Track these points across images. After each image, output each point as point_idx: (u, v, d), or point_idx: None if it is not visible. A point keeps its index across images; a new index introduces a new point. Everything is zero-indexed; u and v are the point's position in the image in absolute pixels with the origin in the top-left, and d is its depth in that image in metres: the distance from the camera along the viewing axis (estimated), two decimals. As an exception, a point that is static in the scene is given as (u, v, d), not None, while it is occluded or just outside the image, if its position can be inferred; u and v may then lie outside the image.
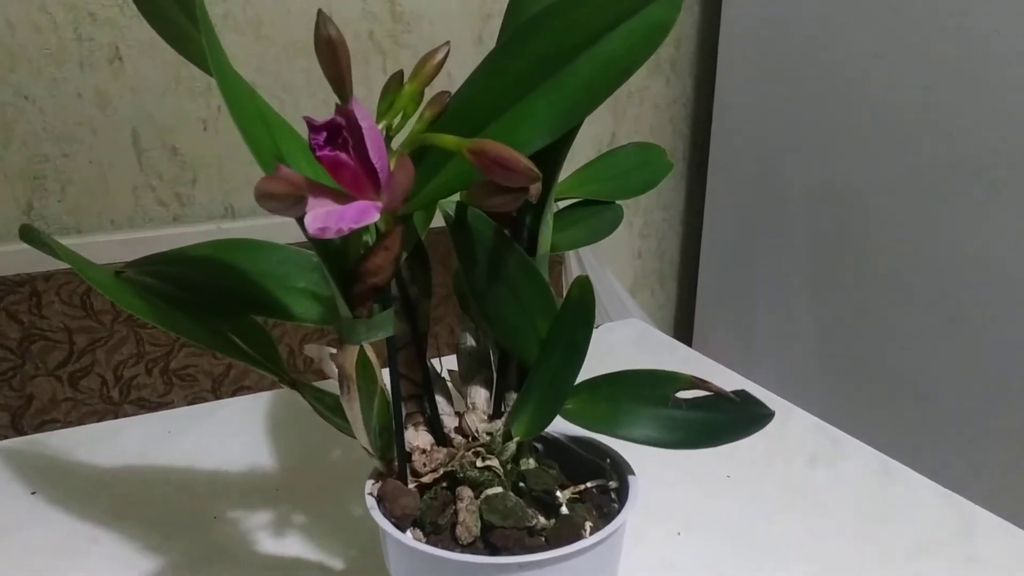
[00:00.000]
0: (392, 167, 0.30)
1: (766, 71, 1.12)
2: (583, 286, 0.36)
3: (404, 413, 0.39)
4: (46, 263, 0.89)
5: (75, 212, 0.94)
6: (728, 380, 0.74)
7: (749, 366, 1.18)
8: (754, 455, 0.63)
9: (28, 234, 0.43)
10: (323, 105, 1.03)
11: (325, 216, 0.28)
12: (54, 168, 0.92)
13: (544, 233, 0.38)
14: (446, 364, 0.43)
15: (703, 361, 0.78)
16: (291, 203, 0.26)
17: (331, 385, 0.39)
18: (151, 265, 0.42)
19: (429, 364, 0.40)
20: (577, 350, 0.37)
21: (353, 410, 0.35)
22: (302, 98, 1.02)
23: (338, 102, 0.29)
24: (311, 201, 0.29)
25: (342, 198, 0.30)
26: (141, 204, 0.97)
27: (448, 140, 0.32)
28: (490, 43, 1.10)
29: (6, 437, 0.84)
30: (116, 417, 0.92)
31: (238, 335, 0.40)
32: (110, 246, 0.93)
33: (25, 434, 0.91)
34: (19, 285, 0.88)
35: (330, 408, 0.40)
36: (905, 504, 0.58)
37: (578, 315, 0.36)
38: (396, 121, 0.34)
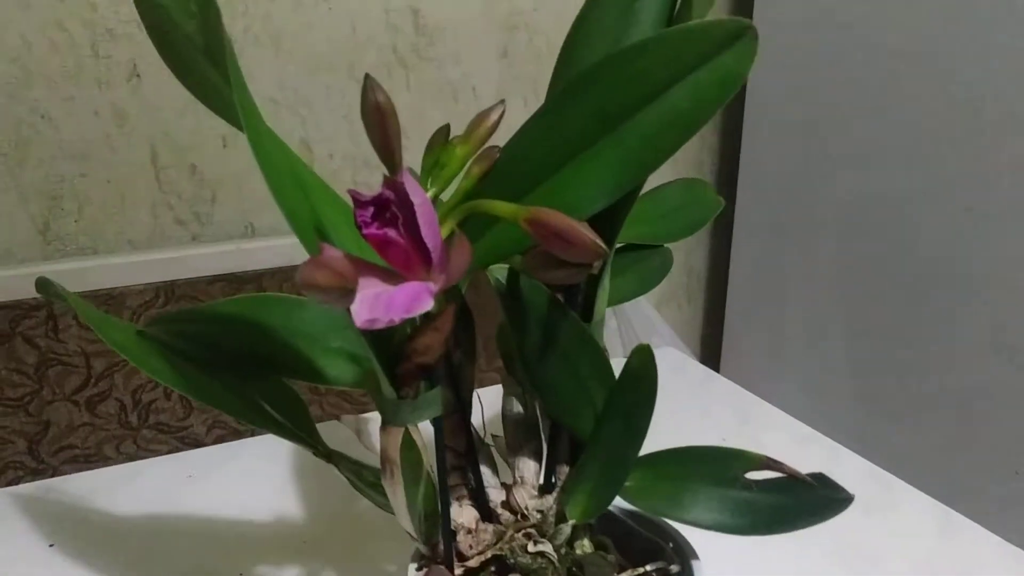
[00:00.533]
0: (447, 245, 0.27)
1: (797, 82, 1.09)
2: (644, 355, 0.33)
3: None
4: (62, 285, 0.87)
5: (92, 232, 0.92)
6: (773, 418, 0.71)
7: (779, 383, 1.15)
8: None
9: (44, 286, 0.41)
10: (344, 121, 1.00)
11: (373, 304, 0.25)
12: (71, 187, 0.90)
13: (601, 297, 0.35)
14: (488, 424, 0.40)
15: (743, 395, 0.75)
16: (339, 296, 0.23)
17: (369, 456, 0.36)
18: (175, 323, 0.39)
19: (473, 430, 0.37)
20: (638, 425, 0.34)
21: (396, 495, 0.32)
22: (323, 113, 0.99)
23: (386, 173, 0.27)
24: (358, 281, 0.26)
25: (391, 277, 0.27)
26: (159, 223, 0.95)
27: (503, 208, 0.29)
28: (515, 57, 1.07)
29: (20, 469, 0.82)
30: (135, 442, 0.90)
31: (267, 400, 0.38)
32: (128, 268, 0.90)
33: (43, 461, 0.90)
34: (35, 309, 0.86)
35: (369, 484, 0.37)
36: (969, 560, 0.55)
37: (639, 387, 0.33)
38: (440, 186, 0.31)
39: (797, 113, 1.09)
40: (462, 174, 0.34)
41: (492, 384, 0.38)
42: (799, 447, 0.64)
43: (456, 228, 0.29)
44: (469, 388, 0.36)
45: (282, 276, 0.96)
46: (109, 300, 0.89)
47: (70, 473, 0.92)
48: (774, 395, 1.06)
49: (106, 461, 0.89)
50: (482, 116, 0.32)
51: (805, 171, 1.09)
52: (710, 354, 1.33)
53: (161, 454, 0.90)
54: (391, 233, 0.26)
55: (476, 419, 0.39)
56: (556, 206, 0.31)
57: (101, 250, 0.93)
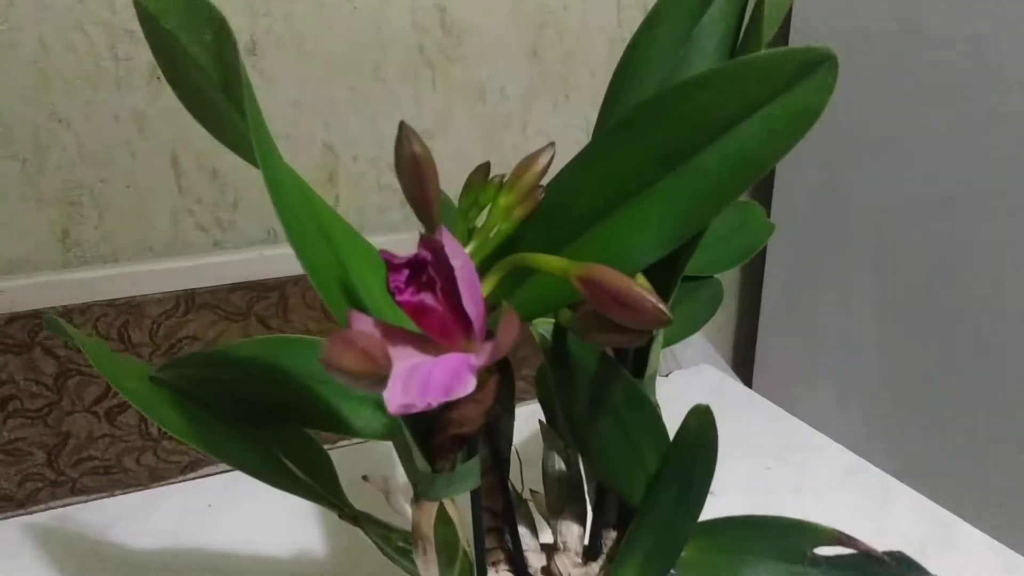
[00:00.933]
0: (489, 308, 0.24)
1: (834, 91, 1.04)
2: (703, 417, 0.30)
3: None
4: (80, 295, 0.85)
5: (112, 239, 0.90)
6: (817, 445, 0.67)
7: (813, 391, 1.11)
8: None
9: (51, 324, 0.38)
10: (369, 123, 0.97)
11: (407, 383, 0.22)
12: (90, 193, 0.88)
13: (655, 351, 0.32)
14: (522, 473, 0.37)
15: (786, 420, 0.72)
16: (370, 383, 0.20)
17: (398, 517, 0.33)
18: (190, 368, 0.36)
19: (511, 487, 0.34)
20: (695, 493, 0.31)
21: (429, 573, 0.29)
22: (347, 115, 0.97)
23: (422, 231, 0.24)
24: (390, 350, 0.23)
25: (428, 346, 0.24)
26: (180, 230, 0.93)
27: (551, 263, 0.26)
28: (545, 56, 1.03)
29: (39, 481, 0.80)
30: (155, 453, 0.88)
31: (287, 453, 0.35)
32: (148, 277, 0.88)
33: (62, 472, 0.88)
34: (54, 319, 0.84)
35: (399, 550, 0.34)
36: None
37: (697, 453, 0.30)
38: (480, 240, 0.28)
39: (833, 120, 1.05)
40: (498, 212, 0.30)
41: (520, 396, 0.35)
42: (847, 478, 0.61)
43: (502, 298, 0.26)
44: (507, 443, 0.34)
45: (305, 283, 0.94)
46: (129, 309, 0.87)
47: (89, 484, 0.90)
48: (807, 401, 1.03)
49: (126, 473, 0.87)
50: (529, 161, 0.29)
51: (842, 175, 1.05)
52: (742, 361, 1.29)
53: (181, 465, 0.88)
54: (428, 299, 0.23)
55: (513, 472, 0.36)
56: (609, 255, 0.28)
57: (121, 257, 0.91)
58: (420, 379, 0.22)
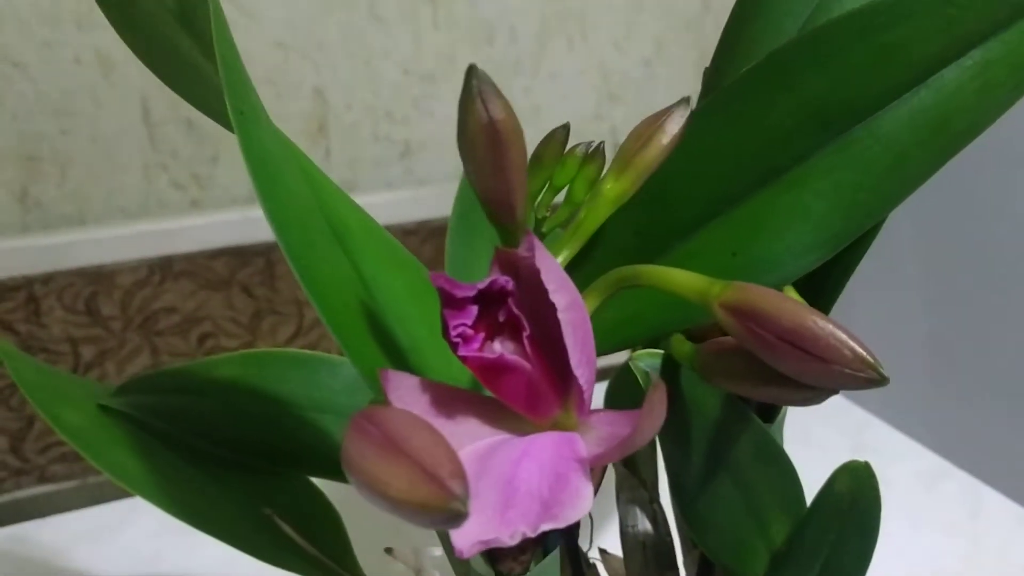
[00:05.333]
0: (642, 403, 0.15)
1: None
2: (861, 477, 0.21)
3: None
4: (44, 263, 0.76)
5: (77, 198, 0.81)
6: (893, 444, 0.60)
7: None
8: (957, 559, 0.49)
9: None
10: (364, 67, 0.87)
11: (480, 499, 0.13)
12: (51, 147, 0.79)
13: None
14: (592, 534, 0.29)
15: (853, 412, 0.63)
16: (438, 520, 0.12)
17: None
18: (152, 394, 0.27)
19: (581, 556, 0.26)
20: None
21: None
22: (339, 58, 0.87)
23: (498, 244, 0.15)
24: (438, 423, 0.14)
25: (499, 417, 0.15)
26: (154, 188, 0.83)
27: (681, 281, 0.17)
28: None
29: (3, 470, 0.72)
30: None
31: (283, 509, 0.26)
32: (118, 242, 0.79)
33: (27, 460, 0.80)
34: (14, 290, 0.76)
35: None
36: None
37: (848, 524, 0.22)
38: (575, 246, 0.19)
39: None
40: (576, 185, 0.22)
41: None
42: (931, 483, 0.53)
43: (656, 379, 0.17)
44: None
45: (295, 248, 0.85)
46: (98, 278, 0.78)
47: (59, 471, 0.82)
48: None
49: (100, 459, 0.79)
50: (650, 128, 0.19)
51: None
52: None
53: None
54: (510, 353, 0.15)
55: (583, 532, 0.28)
56: (744, 260, 0.19)
57: (87, 220, 0.81)
58: (499, 487, 0.14)
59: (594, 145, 0.20)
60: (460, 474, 0.12)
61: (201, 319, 0.82)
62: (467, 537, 0.13)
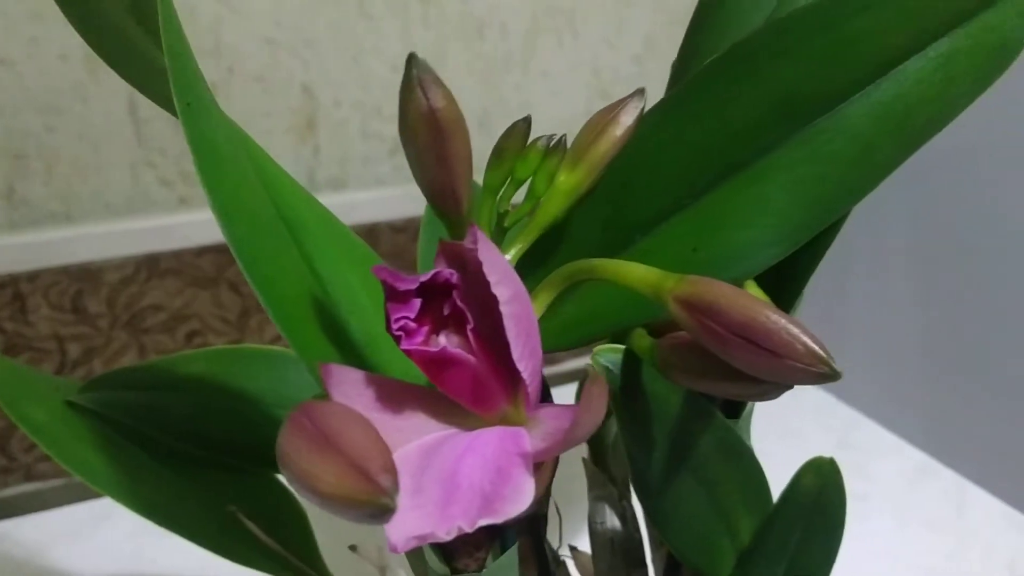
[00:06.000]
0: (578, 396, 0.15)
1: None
2: (825, 472, 0.21)
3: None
4: (29, 259, 0.76)
5: (64, 196, 0.81)
6: (877, 441, 0.59)
7: (844, 373, 1.03)
8: (942, 557, 0.49)
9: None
10: (353, 63, 0.87)
11: (419, 495, 0.13)
12: (38, 144, 0.78)
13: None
14: (561, 530, 0.28)
15: (838, 408, 0.63)
16: (365, 514, 0.11)
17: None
18: (119, 390, 0.27)
19: (548, 550, 0.26)
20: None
21: None
22: (328, 54, 0.86)
23: (443, 236, 0.15)
24: (382, 418, 0.14)
25: (447, 411, 0.15)
26: (141, 184, 0.83)
27: (635, 275, 0.17)
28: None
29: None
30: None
31: (251, 507, 0.26)
32: (105, 239, 0.79)
33: (14, 459, 0.80)
34: (-1, 287, 0.75)
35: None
36: None
37: (813, 521, 0.21)
38: (529, 239, 0.19)
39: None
40: (537, 183, 0.21)
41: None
42: (916, 480, 0.53)
43: (595, 372, 0.17)
44: (546, 501, 0.25)
45: (283, 246, 0.85)
46: (84, 276, 0.78)
47: (46, 470, 0.81)
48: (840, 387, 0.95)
49: (87, 457, 0.79)
50: (604, 120, 0.19)
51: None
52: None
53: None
54: (454, 347, 0.14)
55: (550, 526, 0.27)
56: (705, 255, 0.19)
57: (74, 217, 0.81)
58: (441, 482, 0.13)
59: (556, 138, 0.20)
60: (390, 468, 0.12)
61: (188, 317, 0.81)
62: (401, 531, 0.13)
